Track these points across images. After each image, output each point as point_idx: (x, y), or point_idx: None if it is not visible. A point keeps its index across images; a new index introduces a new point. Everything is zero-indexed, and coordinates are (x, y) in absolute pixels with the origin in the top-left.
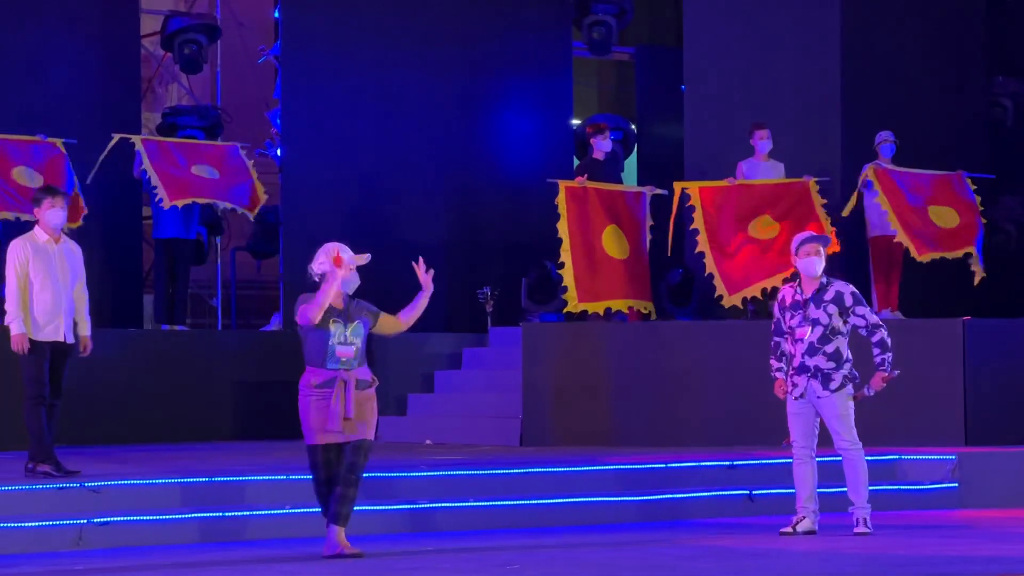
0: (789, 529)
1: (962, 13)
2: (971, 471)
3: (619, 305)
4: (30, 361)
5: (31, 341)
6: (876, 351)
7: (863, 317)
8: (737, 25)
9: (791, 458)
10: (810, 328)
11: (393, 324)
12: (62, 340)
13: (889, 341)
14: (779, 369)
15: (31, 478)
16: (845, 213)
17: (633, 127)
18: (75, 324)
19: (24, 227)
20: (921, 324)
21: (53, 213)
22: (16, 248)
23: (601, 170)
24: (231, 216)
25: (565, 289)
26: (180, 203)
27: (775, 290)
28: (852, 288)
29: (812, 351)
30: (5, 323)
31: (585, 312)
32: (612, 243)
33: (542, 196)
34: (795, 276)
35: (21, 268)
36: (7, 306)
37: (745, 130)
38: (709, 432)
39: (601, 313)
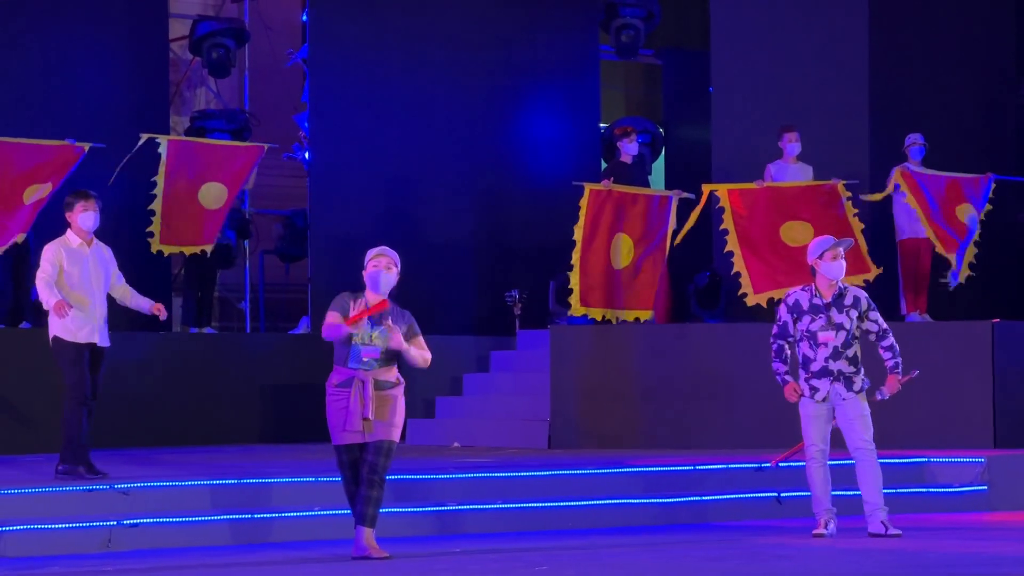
0: (822, 531)
1: (991, 15)
2: (1000, 474)
3: (610, 315)
4: (70, 364)
5: (69, 343)
6: (888, 355)
7: (876, 322)
8: (764, 27)
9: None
10: (835, 332)
11: (418, 350)
12: (96, 343)
13: (897, 345)
14: (787, 373)
15: (61, 480)
16: (864, 200)
17: (660, 130)
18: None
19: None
20: (950, 327)
21: (86, 216)
22: (50, 252)
23: (628, 173)
24: (259, 219)
25: (571, 292)
26: (166, 250)
27: None
28: (865, 292)
29: (836, 355)
30: (44, 307)
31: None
32: (619, 252)
33: (569, 199)
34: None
35: (54, 269)
36: (40, 294)
37: (773, 132)
38: (737, 434)
39: (599, 319)
